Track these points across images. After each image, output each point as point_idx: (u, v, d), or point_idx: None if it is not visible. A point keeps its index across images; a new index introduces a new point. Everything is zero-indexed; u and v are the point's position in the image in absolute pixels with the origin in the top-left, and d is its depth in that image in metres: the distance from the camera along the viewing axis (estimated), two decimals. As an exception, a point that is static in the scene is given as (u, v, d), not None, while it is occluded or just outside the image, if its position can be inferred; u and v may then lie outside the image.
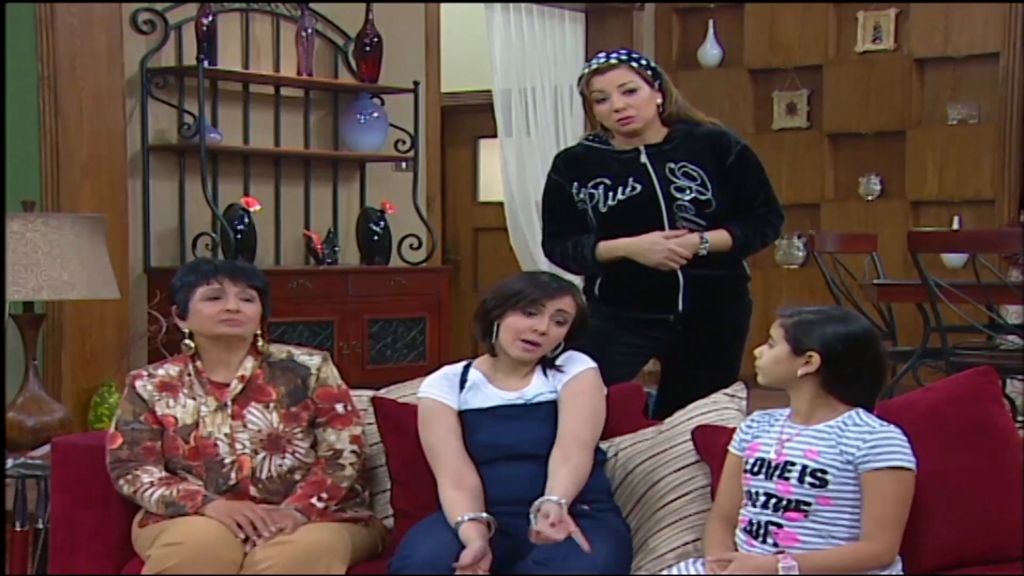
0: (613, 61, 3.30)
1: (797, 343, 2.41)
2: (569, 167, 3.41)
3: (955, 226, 6.90)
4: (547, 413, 2.70)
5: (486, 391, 2.75)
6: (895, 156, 7.23)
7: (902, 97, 7.16)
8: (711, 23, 7.66)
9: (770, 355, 2.44)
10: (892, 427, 2.39)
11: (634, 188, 3.31)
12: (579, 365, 2.76)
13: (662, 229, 3.30)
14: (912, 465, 2.36)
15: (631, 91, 3.27)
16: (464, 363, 2.81)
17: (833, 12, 7.36)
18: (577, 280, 3.23)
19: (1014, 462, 2.50)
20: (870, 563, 2.33)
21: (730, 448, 2.53)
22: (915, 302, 5.25)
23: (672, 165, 3.31)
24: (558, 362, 2.77)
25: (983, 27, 6.92)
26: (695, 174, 3.31)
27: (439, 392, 2.76)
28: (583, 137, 3.49)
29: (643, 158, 3.32)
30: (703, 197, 3.30)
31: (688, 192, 3.30)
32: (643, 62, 3.33)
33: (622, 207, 3.31)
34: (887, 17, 7.23)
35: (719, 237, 3.31)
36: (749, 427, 2.52)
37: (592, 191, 3.34)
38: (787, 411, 2.49)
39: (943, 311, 4.67)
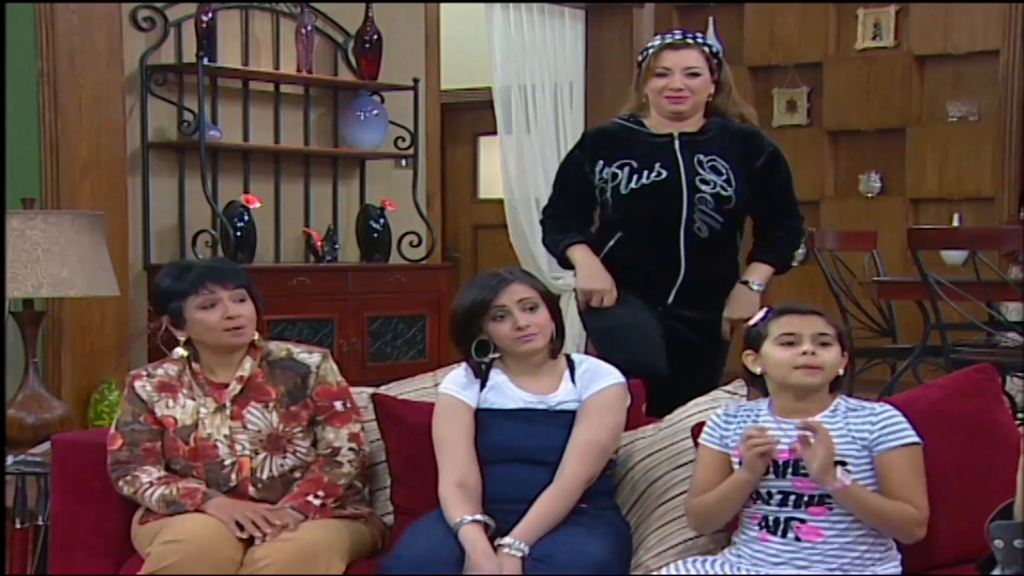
0: (689, 41, 3.32)
1: (844, 342, 2.46)
2: (597, 144, 3.39)
3: (955, 223, 6.90)
4: (569, 423, 2.67)
5: (509, 392, 2.72)
6: (895, 153, 7.23)
7: (902, 94, 7.15)
8: (711, 20, 7.65)
9: (834, 355, 2.43)
10: (887, 406, 2.45)
11: (660, 174, 3.30)
12: (606, 379, 2.73)
13: (679, 218, 3.29)
14: (918, 438, 2.41)
15: (695, 75, 3.29)
16: (487, 360, 2.76)
17: (833, 9, 7.36)
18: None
19: (1014, 459, 2.50)
20: (906, 523, 2.37)
21: (705, 443, 2.52)
22: (915, 299, 5.25)
23: (702, 156, 3.31)
24: (587, 372, 2.74)
25: (983, 24, 6.92)
26: (722, 169, 3.31)
27: (459, 389, 2.74)
28: (619, 115, 3.46)
29: (676, 145, 3.32)
30: (725, 193, 3.30)
31: (712, 186, 3.30)
32: (714, 49, 3.35)
33: (644, 191, 3.31)
34: (887, 14, 7.23)
35: (764, 274, 3.38)
36: (728, 423, 2.51)
37: (616, 171, 3.33)
38: (760, 404, 2.49)
39: (943, 308, 4.67)
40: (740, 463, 2.45)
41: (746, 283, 3.38)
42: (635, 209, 3.31)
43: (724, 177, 3.30)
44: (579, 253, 3.40)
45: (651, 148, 3.32)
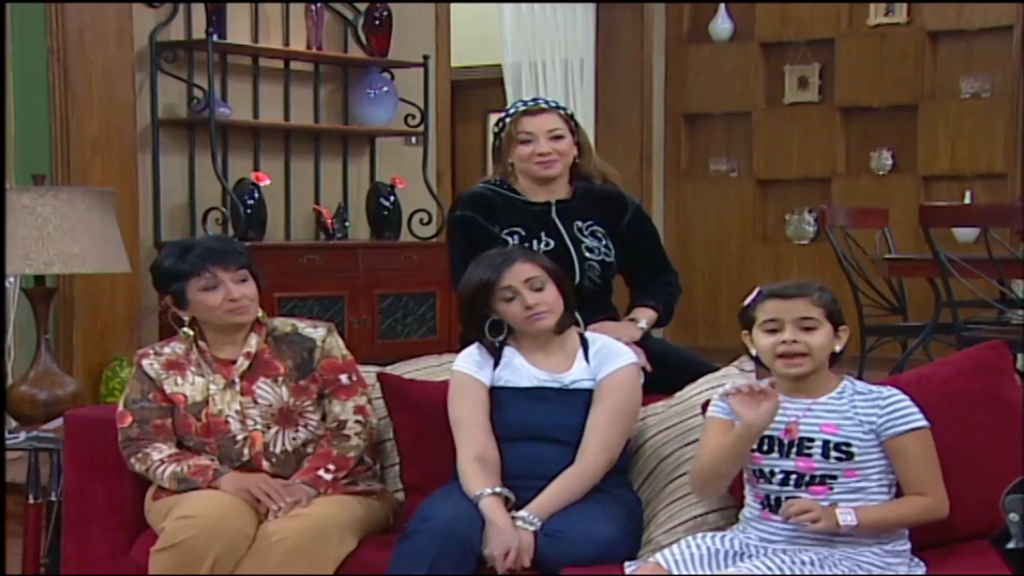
0: (543, 105, 3.27)
1: (836, 318, 2.43)
2: (480, 208, 3.25)
3: (967, 200, 6.87)
4: (583, 401, 2.68)
5: (524, 370, 2.73)
6: (907, 130, 7.19)
7: (914, 70, 7.11)
8: (723, -4, 7.62)
9: (821, 337, 2.40)
10: (893, 389, 2.43)
11: (548, 243, 3.20)
12: (620, 360, 2.73)
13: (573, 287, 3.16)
14: (927, 422, 2.40)
15: (558, 137, 3.23)
16: (500, 339, 2.76)
17: (845, -15, 7.32)
18: None
19: (1025, 436, 2.50)
20: (927, 516, 2.38)
21: (714, 415, 2.51)
22: (926, 277, 5.24)
23: (580, 223, 3.25)
24: (600, 351, 2.74)
25: None
26: (600, 235, 3.26)
27: (473, 367, 2.74)
28: (486, 181, 3.35)
29: (553, 213, 3.24)
30: (608, 259, 3.25)
31: (596, 252, 3.24)
32: (569, 112, 3.31)
33: None
34: (900, -11, 7.18)
35: (650, 316, 3.24)
36: None
37: (507, 238, 3.21)
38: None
39: (954, 286, 4.66)
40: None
41: (633, 320, 3.24)
42: None
43: (604, 243, 3.25)
44: None
45: (532, 217, 3.23)
